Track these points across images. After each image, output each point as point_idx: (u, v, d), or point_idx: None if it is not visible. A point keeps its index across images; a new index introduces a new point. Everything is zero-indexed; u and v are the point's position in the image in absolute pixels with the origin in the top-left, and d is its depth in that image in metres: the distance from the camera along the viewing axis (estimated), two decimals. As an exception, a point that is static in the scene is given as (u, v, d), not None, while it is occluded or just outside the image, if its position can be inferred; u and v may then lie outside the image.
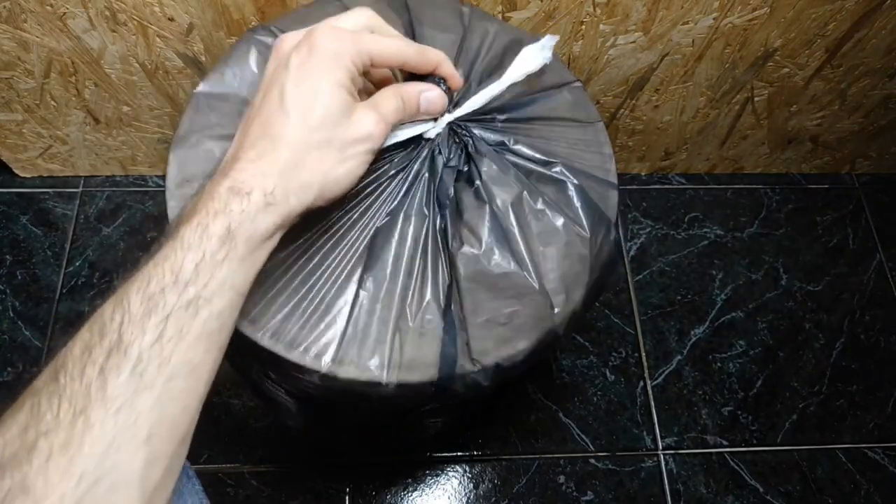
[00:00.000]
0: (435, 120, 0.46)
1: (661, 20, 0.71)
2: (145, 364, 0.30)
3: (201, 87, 0.49)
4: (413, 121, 0.43)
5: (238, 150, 0.37)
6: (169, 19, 0.68)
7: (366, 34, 0.39)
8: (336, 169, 0.37)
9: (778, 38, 0.76)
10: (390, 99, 0.40)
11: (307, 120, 0.36)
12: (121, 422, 0.29)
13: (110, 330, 0.30)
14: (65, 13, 0.67)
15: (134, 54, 0.73)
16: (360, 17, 0.40)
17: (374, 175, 0.46)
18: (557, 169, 0.48)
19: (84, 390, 0.29)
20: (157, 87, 0.78)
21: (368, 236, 0.45)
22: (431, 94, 0.42)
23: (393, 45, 0.39)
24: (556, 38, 0.48)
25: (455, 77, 0.43)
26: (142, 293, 0.31)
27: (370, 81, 0.44)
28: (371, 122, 0.38)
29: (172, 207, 0.45)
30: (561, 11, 0.69)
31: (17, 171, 0.94)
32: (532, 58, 0.47)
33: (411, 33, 0.52)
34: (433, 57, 0.41)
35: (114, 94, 0.79)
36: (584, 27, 0.71)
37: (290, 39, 0.38)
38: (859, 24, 0.75)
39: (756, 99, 0.87)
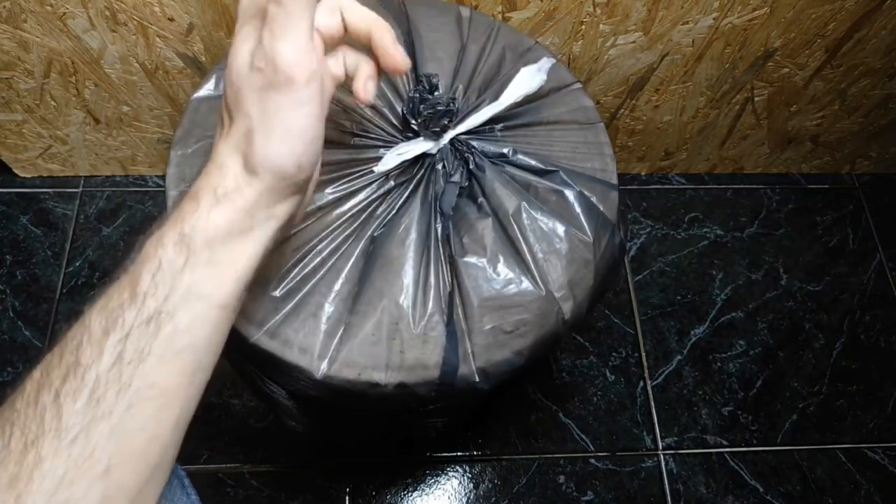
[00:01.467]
0: (437, 137, 0.46)
1: (661, 20, 0.71)
2: (103, 389, 0.27)
3: (201, 92, 0.49)
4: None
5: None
6: (169, 19, 0.68)
7: None
8: (291, 117, 0.31)
9: (778, 38, 0.76)
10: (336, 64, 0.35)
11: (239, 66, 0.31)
12: (75, 454, 0.27)
13: (68, 351, 0.28)
14: (65, 13, 0.67)
15: (134, 54, 0.73)
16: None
17: (374, 185, 0.47)
18: (558, 177, 0.48)
19: (38, 418, 0.27)
20: (157, 87, 0.78)
21: (367, 243, 0.45)
22: (366, 71, 0.36)
23: (363, 12, 0.35)
24: (553, 60, 0.49)
25: (400, 64, 0.37)
26: (103, 311, 0.29)
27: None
28: (302, 53, 0.31)
29: (172, 207, 0.45)
30: (561, 11, 0.69)
31: (17, 171, 0.94)
32: (529, 79, 0.48)
33: (410, 43, 0.52)
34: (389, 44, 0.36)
35: (114, 94, 0.79)
36: (584, 27, 0.71)
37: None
38: (859, 24, 0.75)
39: (756, 99, 0.87)
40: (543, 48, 0.56)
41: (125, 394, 0.28)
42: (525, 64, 0.52)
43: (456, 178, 0.47)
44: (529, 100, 0.51)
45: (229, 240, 0.31)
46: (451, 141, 0.47)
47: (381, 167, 0.45)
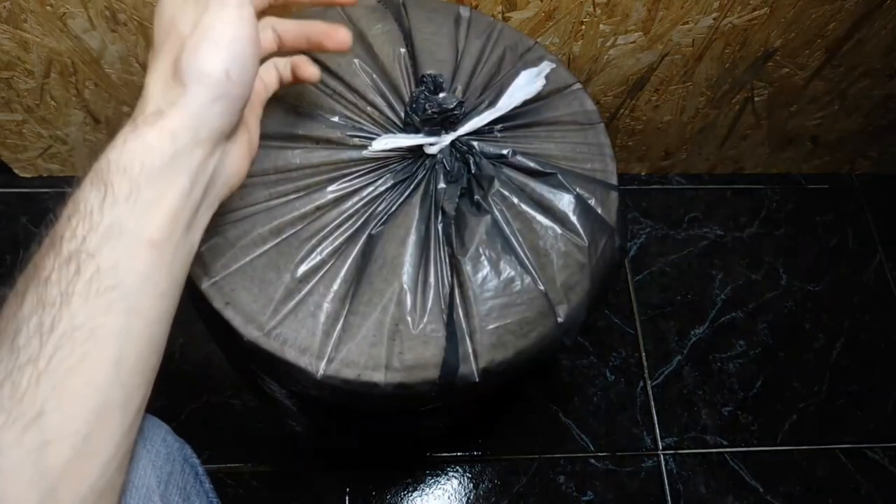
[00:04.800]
0: (437, 136, 0.46)
1: (661, 20, 0.71)
2: (25, 336, 0.27)
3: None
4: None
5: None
6: (169, 19, 0.68)
7: None
8: (221, 27, 0.31)
9: (778, 38, 0.76)
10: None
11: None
12: (3, 401, 0.26)
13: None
14: (65, 13, 0.67)
15: (134, 54, 0.73)
16: None
17: (374, 183, 0.47)
18: (555, 179, 0.48)
19: None
20: (157, 87, 0.78)
21: (367, 243, 0.45)
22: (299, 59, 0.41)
23: None
24: (553, 65, 0.49)
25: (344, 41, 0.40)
26: (28, 264, 0.28)
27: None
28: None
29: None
30: (561, 11, 0.69)
31: (17, 171, 0.94)
32: (528, 83, 0.48)
33: (410, 43, 0.52)
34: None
35: (114, 94, 0.79)
36: (584, 27, 0.71)
37: None
38: (859, 24, 0.75)
39: (756, 99, 0.87)
40: (543, 49, 0.56)
41: (49, 337, 0.27)
42: (525, 64, 0.52)
43: (458, 178, 0.47)
44: (529, 101, 0.51)
45: (151, 171, 0.29)
46: (452, 142, 0.47)
47: (373, 147, 0.46)
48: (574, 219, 0.47)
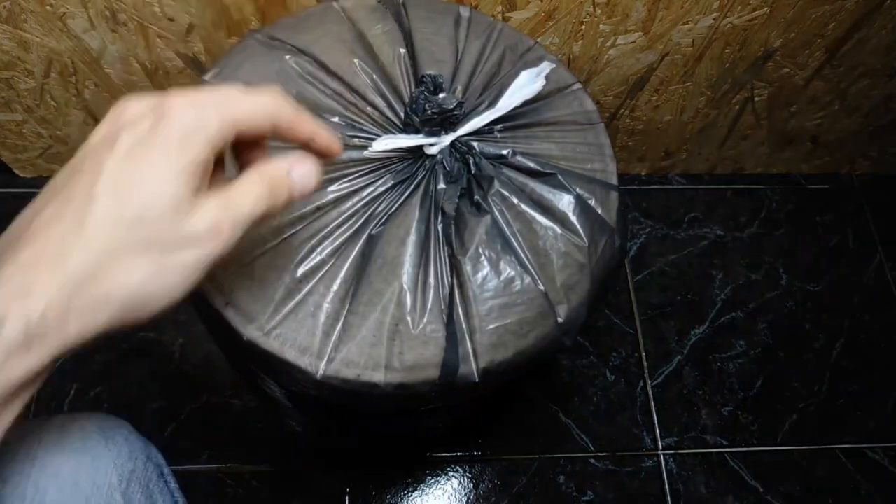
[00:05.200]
0: (437, 136, 0.46)
1: (661, 20, 0.71)
2: None
3: (209, 77, 0.49)
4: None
5: (11, 240, 0.27)
6: (169, 19, 0.68)
7: (234, 95, 0.29)
8: (151, 282, 0.26)
9: (778, 38, 0.76)
10: (250, 187, 0.29)
11: (123, 209, 0.26)
12: None
13: None
14: (65, 13, 0.67)
15: (134, 54, 0.73)
16: (260, 102, 0.30)
17: (373, 183, 0.47)
18: (555, 180, 0.48)
19: None
20: (157, 87, 0.78)
21: (366, 243, 0.45)
22: (303, 170, 0.31)
23: (261, 104, 0.30)
24: (553, 65, 0.49)
25: (333, 146, 0.33)
26: None
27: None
28: (210, 222, 0.27)
29: None
30: (561, 11, 0.69)
31: (17, 171, 0.94)
32: (527, 84, 0.48)
33: (410, 43, 0.52)
34: (308, 126, 0.32)
35: (114, 94, 0.79)
36: (584, 27, 0.71)
37: (134, 105, 0.29)
38: (859, 24, 0.75)
39: (756, 99, 0.87)
40: (543, 49, 0.56)
41: None
42: (525, 65, 0.52)
43: (458, 179, 0.47)
44: (529, 101, 0.51)
45: (11, 395, 0.25)
46: (452, 142, 0.47)
47: (373, 148, 0.45)
48: (574, 219, 0.47)
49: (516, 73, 0.49)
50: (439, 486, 0.82)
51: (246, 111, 0.29)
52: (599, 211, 0.48)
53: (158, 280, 0.27)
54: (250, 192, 0.29)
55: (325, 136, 0.33)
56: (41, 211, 0.27)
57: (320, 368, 0.42)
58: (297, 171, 0.31)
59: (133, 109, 0.29)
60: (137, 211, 0.26)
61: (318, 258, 0.44)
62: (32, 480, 0.37)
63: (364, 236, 0.45)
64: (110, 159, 0.27)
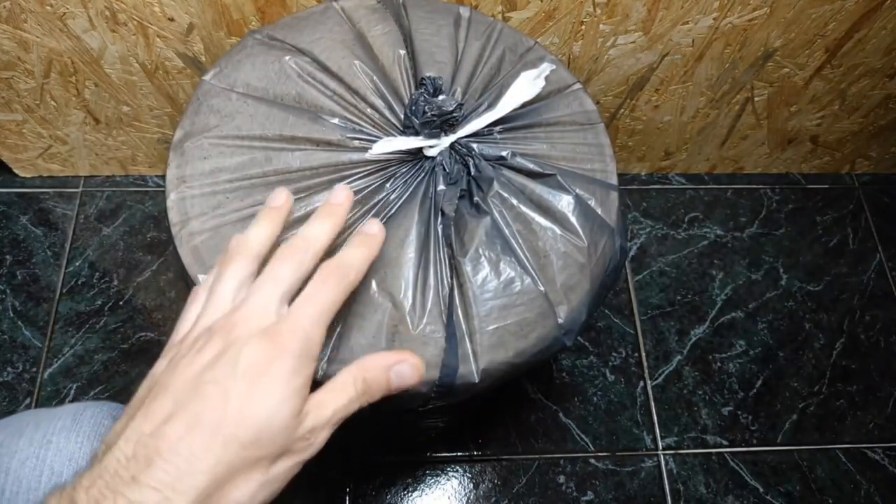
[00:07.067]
0: (437, 138, 0.46)
1: (661, 20, 0.71)
2: None
3: (209, 77, 0.49)
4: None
5: (145, 451, 0.27)
6: (169, 19, 0.68)
7: (325, 289, 0.32)
8: (259, 492, 0.30)
9: (778, 38, 0.76)
10: (346, 389, 0.31)
11: (246, 431, 0.28)
12: None
13: None
14: (65, 13, 0.67)
15: (134, 54, 0.73)
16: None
17: (373, 185, 0.47)
18: (555, 180, 0.48)
19: None
20: (157, 87, 0.78)
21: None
22: (404, 369, 0.33)
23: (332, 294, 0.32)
24: (553, 66, 0.49)
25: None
26: None
27: None
28: (308, 430, 0.31)
29: (171, 207, 0.45)
30: (561, 11, 0.69)
31: (17, 171, 0.94)
32: (527, 85, 0.48)
33: (410, 43, 0.52)
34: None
35: (114, 94, 0.79)
36: (584, 27, 0.71)
37: (242, 324, 0.30)
38: (859, 24, 0.75)
39: (756, 99, 0.87)
40: (543, 49, 0.56)
41: None
42: (525, 65, 0.52)
43: (457, 180, 0.47)
44: (529, 101, 0.51)
45: None
46: (452, 144, 0.47)
47: (374, 151, 0.46)
48: (574, 219, 0.47)
49: (516, 74, 0.49)
50: (439, 486, 0.82)
51: (330, 303, 0.32)
52: (599, 211, 0.48)
53: (266, 490, 0.30)
54: (345, 394, 0.31)
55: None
56: (170, 420, 0.28)
57: (321, 369, 0.42)
58: (396, 370, 0.33)
59: (241, 329, 0.30)
60: (256, 433, 0.28)
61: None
62: (48, 464, 0.38)
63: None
64: (238, 381, 0.29)
